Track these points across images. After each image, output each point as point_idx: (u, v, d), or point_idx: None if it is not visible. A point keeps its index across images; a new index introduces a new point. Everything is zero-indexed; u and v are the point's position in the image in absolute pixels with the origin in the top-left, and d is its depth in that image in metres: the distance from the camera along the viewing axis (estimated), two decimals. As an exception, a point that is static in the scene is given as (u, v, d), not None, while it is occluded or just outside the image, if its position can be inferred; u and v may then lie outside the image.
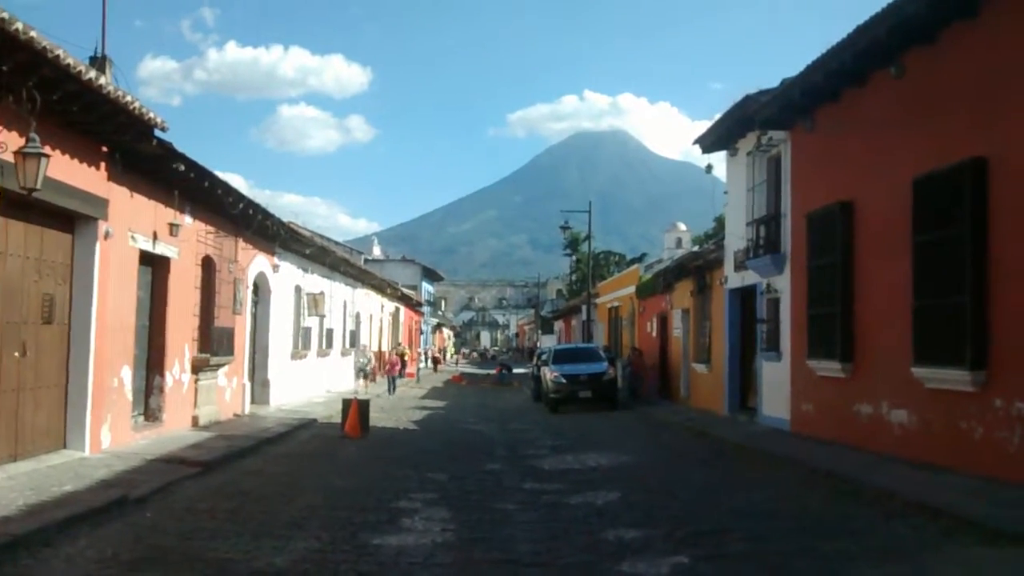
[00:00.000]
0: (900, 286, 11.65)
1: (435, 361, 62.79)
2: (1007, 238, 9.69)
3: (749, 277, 18.54)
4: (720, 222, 27.94)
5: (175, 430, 15.09)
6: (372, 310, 38.76)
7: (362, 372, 32.95)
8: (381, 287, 40.17)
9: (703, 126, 20.78)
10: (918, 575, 6.45)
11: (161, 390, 14.95)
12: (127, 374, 13.46)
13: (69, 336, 11.95)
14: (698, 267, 22.99)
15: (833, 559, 6.85)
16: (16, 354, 10.56)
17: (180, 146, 13.05)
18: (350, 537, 7.80)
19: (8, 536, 7.05)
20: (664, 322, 27.85)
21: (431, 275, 72.63)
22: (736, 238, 19.28)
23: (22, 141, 9.54)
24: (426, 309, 67.68)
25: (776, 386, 16.76)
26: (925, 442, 11.20)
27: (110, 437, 12.70)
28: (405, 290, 49.40)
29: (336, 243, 47.20)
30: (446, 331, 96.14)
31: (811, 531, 7.95)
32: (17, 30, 8.59)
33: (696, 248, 31.09)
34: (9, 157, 9.51)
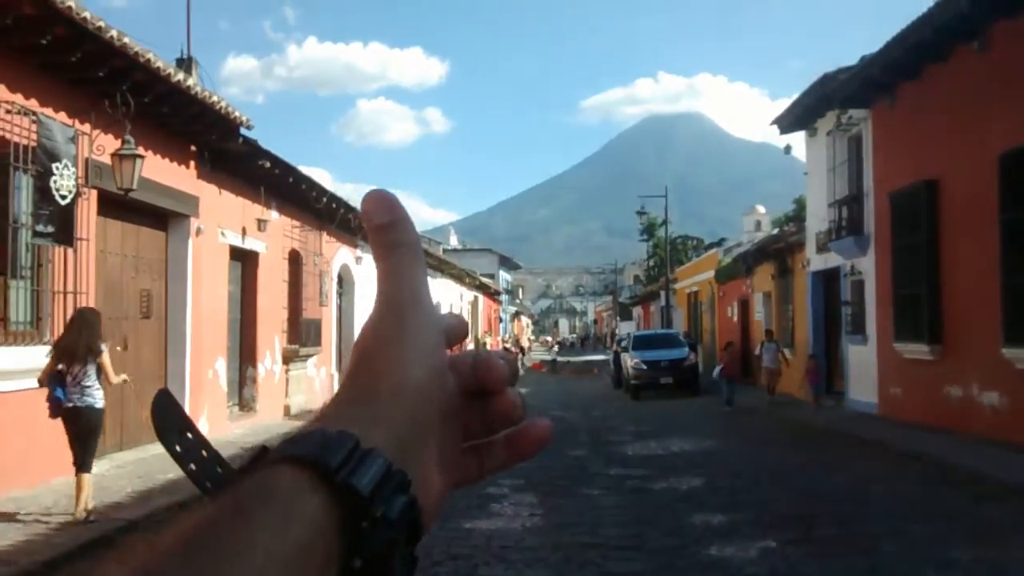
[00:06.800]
0: (988, 265, 11.40)
1: (522, 350, 62.19)
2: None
3: (832, 259, 18.26)
4: (800, 203, 27.51)
5: (268, 419, 15.55)
6: (452, 299, 39.14)
7: None
8: (460, 276, 40.52)
9: (782, 106, 20.50)
10: (1011, 559, 6.38)
11: (254, 381, 15.45)
12: (221, 366, 13.94)
13: (166, 330, 12.44)
14: (779, 250, 22.71)
15: (924, 542, 6.81)
16: (118, 348, 11.01)
17: (265, 143, 13.48)
18: (442, 522, 7.98)
19: (124, 520, 7.61)
20: (745, 306, 27.56)
21: (508, 263, 72.90)
22: (817, 220, 19.00)
23: (118, 143, 9.95)
24: (504, 297, 67.92)
25: (863, 369, 16.51)
26: (1018, 425, 10.95)
27: (207, 427, 13.15)
28: (483, 279, 49.72)
29: (415, 234, 47.58)
30: (524, 319, 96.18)
31: (901, 514, 7.90)
32: (112, 37, 8.99)
33: (776, 231, 30.64)
34: (106, 159, 9.94)
